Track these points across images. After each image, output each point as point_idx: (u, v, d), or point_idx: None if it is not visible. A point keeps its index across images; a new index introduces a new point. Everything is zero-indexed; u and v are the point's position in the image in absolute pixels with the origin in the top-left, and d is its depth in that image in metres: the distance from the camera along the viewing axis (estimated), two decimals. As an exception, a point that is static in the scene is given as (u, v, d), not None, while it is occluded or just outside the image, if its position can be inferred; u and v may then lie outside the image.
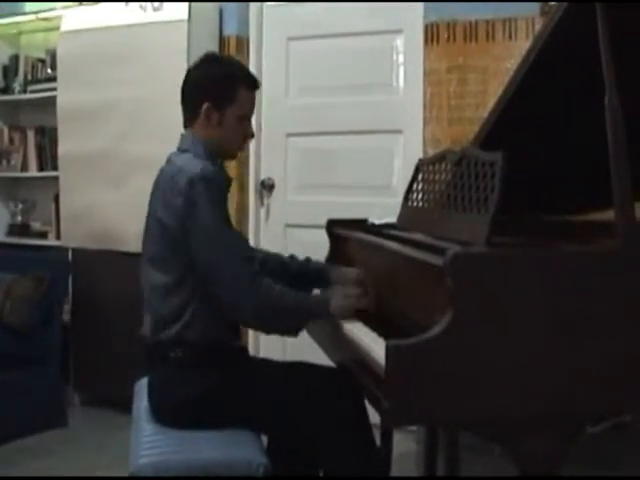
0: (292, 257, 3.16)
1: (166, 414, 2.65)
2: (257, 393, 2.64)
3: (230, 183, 2.84)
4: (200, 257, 2.55)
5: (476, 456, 3.34)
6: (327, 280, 3.04)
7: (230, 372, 2.64)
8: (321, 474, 2.75)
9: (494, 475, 3.27)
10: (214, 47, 4.98)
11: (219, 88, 2.74)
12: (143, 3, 4.83)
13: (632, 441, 3.06)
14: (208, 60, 2.85)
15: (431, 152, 4.10)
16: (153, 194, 2.75)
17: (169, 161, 2.77)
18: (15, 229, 5.87)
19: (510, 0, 4.24)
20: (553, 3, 3.84)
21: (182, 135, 2.84)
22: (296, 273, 3.09)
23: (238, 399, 2.63)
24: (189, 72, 2.85)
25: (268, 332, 2.78)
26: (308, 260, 3.15)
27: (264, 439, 2.74)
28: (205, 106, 2.71)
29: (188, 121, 2.81)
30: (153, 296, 2.70)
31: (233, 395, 2.62)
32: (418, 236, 2.67)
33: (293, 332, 2.68)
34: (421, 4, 4.54)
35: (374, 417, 2.34)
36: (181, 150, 2.79)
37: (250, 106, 2.82)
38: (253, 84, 2.81)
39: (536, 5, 4.21)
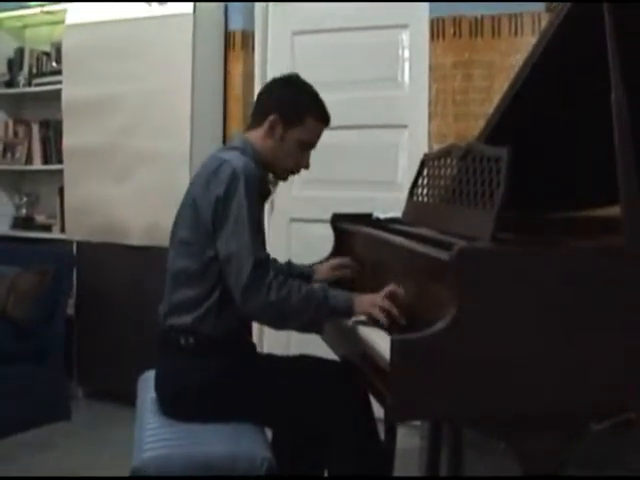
0: (274, 260, 3.14)
1: (172, 403, 2.66)
2: (262, 386, 2.65)
3: (269, 194, 2.89)
4: (223, 244, 2.57)
5: (479, 453, 3.34)
6: (310, 278, 3.10)
7: (237, 364, 2.66)
8: (325, 471, 2.75)
9: (497, 473, 3.26)
10: (219, 41, 4.99)
11: (293, 107, 2.79)
12: (148, -3, 4.83)
13: (635, 439, 3.06)
14: (293, 79, 2.91)
15: (436, 147, 4.10)
16: (193, 184, 2.75)
17: (213, 156, 2.77)
18: (20, 222, 5.88)
19: (515, 0, 4.23)
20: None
21: (234, 135, 2.86)
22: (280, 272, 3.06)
23: (243, 391, 2.63)
24: (268, 84, 2.94)
25: (281, 328, 2.76)
26: (289, 264, 3.19)
27: (269, 434, 2.74)
28: (273, 117, 2.75)
29: (251, 125, 2.85)
30: (173, 279, 2.71)
31: (238, 387, 2.63)
32: (423, 231, 2.67)
33: (312, 328, 2.65)
34: (427, -1, 4.54)
35: (378, 412, 2.34)
36: (229, 147, 2.82)
37: (316, 137, 2.86)
38: (324, 119, 2.86)
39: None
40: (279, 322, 2.65)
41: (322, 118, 2.85)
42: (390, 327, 2.40)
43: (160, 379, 2.74)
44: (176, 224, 2.78)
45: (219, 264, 2.59)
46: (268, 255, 2.66)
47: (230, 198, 2.56)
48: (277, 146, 2.78)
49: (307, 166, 2.90)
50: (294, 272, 3.11)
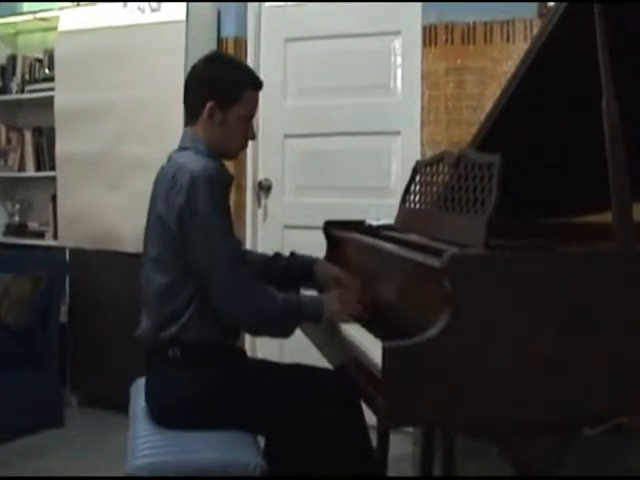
0: (277, 255, 3.17)
1: (163, 414, 2.65)
2: (254, 394, 2.64)
3: (232, 181, 2.84)
4: (196, 256, 2.55)
5: (472, 457, 3.34)
6: (311, 277, 3.07)
7: (227, 372, 2.65)
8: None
9: (490, 476, 3.27)
10: (212, 48, 4.98)
11: (224, 88, 2.73)
12: (141, 4, 4.83)
13: (629, 443, 3.06)
14: (213, 59, 2.87)
15: (429, 154, 4.11)
16: (154, 193, 2.74)
17: (170, 159, 2.77)
18: (12, 229, 5.87)
19: (508, 0, 4.24)
20: (551, 4, 3.85)
21: (183, 133, 2.83)
22: (280, 272, 3.09)
23: (235, 399, 2.63)
24: (193, 69, 2.84)
25: (258, 335, 2.80)
26: (293, 254, 3.17)
27: (261, 441, 2.74)
28: (209, 105, 2.70)
29: (190, 119, 2.80)
30: (153, 297, 2.69)
31: (230, 395, 2.62)
32: (415, 238, 2.67)
33: (285, 335, 2.69)
34: (419, 6, 4.54)
35: (371, 418, 2.35)
36: (181, 148, 2.79)
37: (254, 107, 2.81)
38: (258, 85, 2.81)
39: (534, 7, 4.22)
40: (258, 330, 2.73)
41: (255, 85, 2.80)
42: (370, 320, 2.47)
43: (149, 392, 2.73)
44: (145, 241, 2.75)
45: (194, 274, 2.58)
46: (244, 258, 2.69)
47: (193, 208, 2.52)
48: (222, 131, 2.74)
49: (253, 136, 2.88)
50: (293, 266, 3.11)
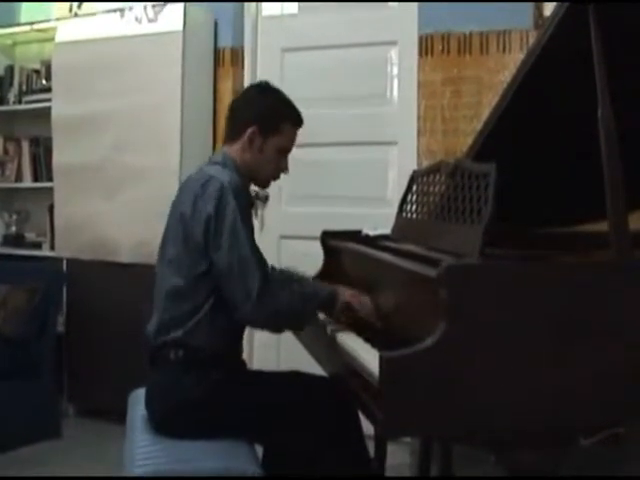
0: (282, 272, 3.17)
1: (162, 420, 2.66)
2: (251, 403, 2.65)
3: (253, 204, 2.90)
4: (221, 261, 2.59)
5: (470, 466, 3.34)
6: None
7: (227, 380, 2.66)
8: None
9: (490, 476, 3.27)
10: (209, 58, 5.01)
11: (270, 116, 2.83)
12: (138, 15, 4.84)
13: (625, 454, 3.06)
14: (265, 88, 2.94)
15: (425, 164, 4.11)
16: (178, 199, 2.79)
17: (200, 171, 2.81)
18: (9, 239, 5.86)
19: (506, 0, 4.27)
20: (547, 15, 3.86)
21: (221, 151, 2.91)
22: None
23: (232, 408, 2.64)
24: (245, 93, 3.01)
25: (279, 329, 2.82)
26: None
27: (259, 450, 2.74)
28: (251, 129, 2.79)
29: (229, 138, 2.88)
30: (164, 297, 2.72)
31: (228, 404, 2.63)
32: (412, 247, 2.68)
33: (304, 325, 2.81)
34: (415, 16, 4.55)
35: (368, 428, 2.34)
36: (212, 162, 2.85)
37: (292, 142, 2.91)
38: (299, 122, 2.91)
39: (530, 18, 4.23)
40: (283, 326, 2.78)
41: (297, 122, 2.91)
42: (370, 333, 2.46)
43: (150, 396, 2.74)
44: (164, 242, 2.80)
45: (210, 279, 2.62)
46: (268, 264, 2.72)
47: (222, 213, 2.59)
48: (257, 157, 2.83)
49: (286, 170, 2.95)
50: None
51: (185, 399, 2.61)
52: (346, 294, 2.73)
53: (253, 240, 2.66)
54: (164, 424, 2.65)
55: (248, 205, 2.72)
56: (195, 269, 2.64)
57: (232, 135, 2.86)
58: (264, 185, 3.02)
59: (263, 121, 2.80)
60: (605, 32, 2.19)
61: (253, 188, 3.10)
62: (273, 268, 3.13)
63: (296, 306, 2.66)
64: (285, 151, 2.89)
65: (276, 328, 2.80)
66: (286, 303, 2.61)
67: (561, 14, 2.29)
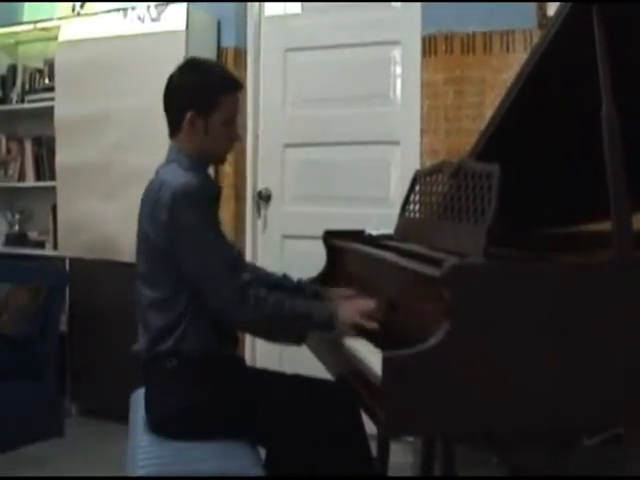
0: (285, 276, 3.16)
1: (162, 425, 2.64)
2: (252, 405, 2.63)
3: (219, 192, 2.84)
4: (188, 270, 2.56)
5: (472, 467, 3.34)
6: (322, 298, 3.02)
7: (226, 382, 2.64)
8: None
9: (489, 476, 3.27)
10: (212, 58, 4.98)
11: (201, 95, 2.70)
12: (141, 14, 4.83)
13: (625, 454, 3.06)
14: (187, 68, 2.83)
15: (428, 163, 4.11)
16: (141, 210, 2.75)
17: (156, 174, 2.76)
18: (12, 239, 5.86)
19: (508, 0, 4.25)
20: (551, 15, 3.85)
21: (169, 146, 2.82)
22: (291, 291, 3.05)
23: (234, 410, 2.62)
24: (170, 81, 2.82)
25: (268, 340, 2.78)
26: (299, 282, 3.15)
27: (262, 452, 2.74)
28: (189, 115, 2.69)
29: (173, 132, 2.79)
30: (148, 311, 2.69)
31: (229, 406, 2.62)
32: (415, 247, 2.67)
33: (292, 341, 2.68)
34: (419, 16, 4.54)
35: (371, 428, 2.34)
36: (168, 161, 2.78)
37: (234, 109, 2.77)
38: (234, 87, 2.77)
39: (533, 18, 4.22)
40: (262, 334, 2.76)
41: (233, 88, 2.76)
42: (375, 334, 2.44)
43: (149, 403, 2.73)
44: (137, 258, 2.77)
45: (186, 284, 2.58)
46: (242, 264, 2.71)
47: (177, 223, 2.53)
48: (204, 139, 2.71)
49: (238, 138, 2.86)
50: (304, 286, 3.11)
51: (185, 405, 2.59)
52: (347, 311, 2.60)
53: (218, 240, 2.59)
54: (165, 429, 2.63)
55: (207, 204, 2.62)
56: (168, 280, 2.61)
57: (174, 127, 2.77)
58: (222, 162, 2.94)
59: (197, 102, 2.68)
60: (609, 32, 2.18)
61: (258, 188, 3.07)
62: (268, 274, 3.13)
63: (278, 315, 2.55)
64: (231, 121, 2.75)
65: (256, 334, 2.77)
66: (263, 309, 2.52)
67: (565, 14, 2.28)
